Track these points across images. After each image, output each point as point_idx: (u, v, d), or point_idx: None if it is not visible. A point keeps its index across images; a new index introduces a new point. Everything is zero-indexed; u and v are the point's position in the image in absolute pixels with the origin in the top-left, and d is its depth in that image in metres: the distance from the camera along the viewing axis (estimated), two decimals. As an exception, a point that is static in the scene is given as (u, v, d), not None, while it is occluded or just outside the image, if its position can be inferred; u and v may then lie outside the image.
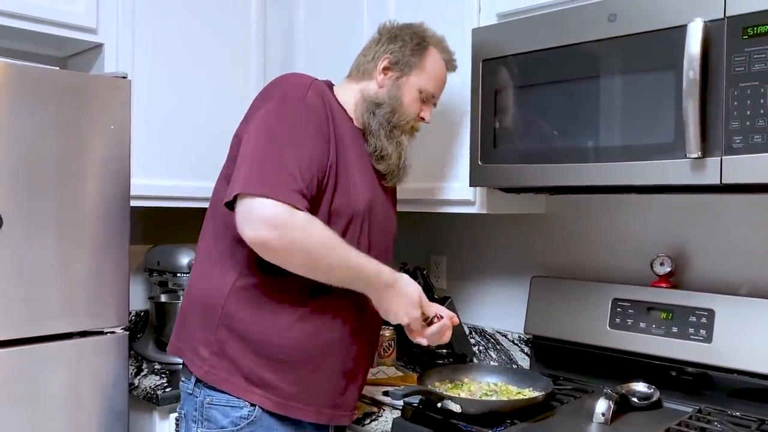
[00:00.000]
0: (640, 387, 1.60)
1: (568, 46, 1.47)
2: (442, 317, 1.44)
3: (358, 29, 1.99)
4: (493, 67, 1.62)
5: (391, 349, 2.04)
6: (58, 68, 1.57)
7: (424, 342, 1.45)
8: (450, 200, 1.82)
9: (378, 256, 1.40)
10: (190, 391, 1.40)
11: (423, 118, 1.58)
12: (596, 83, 1.43)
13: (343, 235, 1.39)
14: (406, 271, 2.06)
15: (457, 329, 2.05)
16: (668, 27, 1.32)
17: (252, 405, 1.35)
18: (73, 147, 1.54)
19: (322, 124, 1.38)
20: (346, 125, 1.49)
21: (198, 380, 1.39)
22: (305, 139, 1.34)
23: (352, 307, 1.43)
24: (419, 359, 2.02)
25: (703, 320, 1.59)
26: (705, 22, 1.26)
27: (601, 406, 1.44)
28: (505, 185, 1.64)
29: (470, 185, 1.69)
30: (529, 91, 1.55)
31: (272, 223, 1.25)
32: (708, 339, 1.57)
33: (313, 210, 1.33)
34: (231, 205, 1.30)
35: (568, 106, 1.48)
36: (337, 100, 1.51)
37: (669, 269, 1.69)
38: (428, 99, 1.58)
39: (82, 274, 1.56)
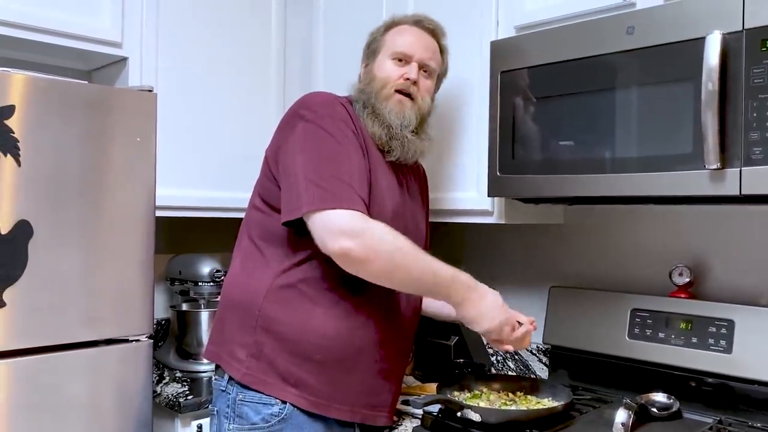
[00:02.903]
0: (660, 397, 1.60)
1: (586, 58, 1.49)
2: (521, 323, 1.45)
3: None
4: (511, 79, 1.63)
5: (409, 358, 2.05)
6: (86, 82, 1.61)
7: (510, 348, 1.45)
8: (468, 210, 1.83)
9: None
10: (223, 388, 1.43)
11: (407, 78, 1.53)
12: (614, 95, 1.44)
13: None
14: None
15: (476, 339, 2.06)
16: (687, 39, 1.33)
17: (283, 402, 1.37)
18: (100, 159, 1.58)
19: (356, 135, 1.42)
20: (368, 136, 1.51)
21: (231, 377, 1.41)
22: (349, 150, 1.37)
23: (386, 309, 1.45)
24: (437, 369, 2.02)
25: (723, 331, 1.58)
26: (723, 34, 1.26)
27: (621, 416, 1.44)
28: (523, 196, 1.65)
29: (488, 195, 1.70)
30: (547, 103, 1.57)
31: (351, 232, 1.28)
32: (728, 349, 1.56)
33: None
34: (290, 223, 1.35)
35: (587, 117, 1.49)
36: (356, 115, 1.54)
37: (688, 279, 1.69)
38: (406, 59, 1.55)
39: (108, 282, 1.59)
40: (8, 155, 1.42)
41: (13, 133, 1.43)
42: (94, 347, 1.59)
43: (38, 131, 1.48)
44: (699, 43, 1.29)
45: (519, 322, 1.44)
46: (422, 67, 1.56)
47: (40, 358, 1.49)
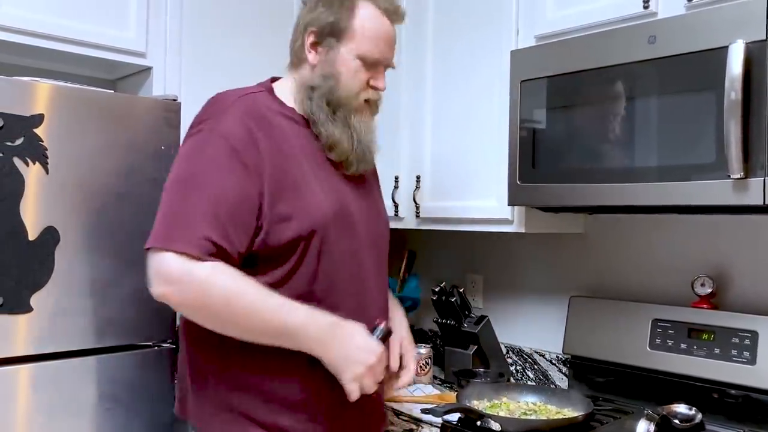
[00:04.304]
0: (682, 409, 1.58)
1: (607, 67, 1.49)
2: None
3: (395, 52, 2.02)
4: (531, 88, 1.64)
5: (428, 367, 2.05)
6: (112, 91, 1.64)
7: (405, 383, 1.40)
8: (487, 219, 1.84)
9: (366, 264, 1.35)
10: None
11: (375, 87, 1.38)
12: (636, 104, 1.44)
13: (304, 255, 1.26)
14: (442, 290, 2.09)
15: (495, 348, 2.06)
16: (709, 48, 1.32)
17: None
18: (125, 167, 1.60)
19: (244, 151, 1.24)
20: (292, 130, 1.33)
21: None
22: (221, 174, 1.22)
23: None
24: (456, 378, 2.02)
25: (746, 342, 1.57)
26: (746, 43, 1.26)
27: (642, 427, 1.43)
28: (543, 204, 1.65)
29: (508, 204, 1.70)
30: (568, 112, 1.57)
31: (170, 279, 1.19)
32: (751, 361, 1.55)
33: (261, 243, 1.23)
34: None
35: (607, 126, 1.49)
36: (279, 101, 1.36)
37: (710, 290, 1.67)
38: (376, 64, 1.36)
39: (132, 288, 1.61)
40: (36, 163, 1.45)
41: (42, 141, 1.46)
42: (117, 352, 1.61)
43: (65, 139, 1.50)
44: (722, 52, 1.29)
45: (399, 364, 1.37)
46: (386, 67, 1.41)
47: (64, 363, 1.52)
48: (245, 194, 1.22)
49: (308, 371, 1.28)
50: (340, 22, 1.33)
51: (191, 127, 1.32)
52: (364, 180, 1.45)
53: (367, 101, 1.39)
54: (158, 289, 1.20)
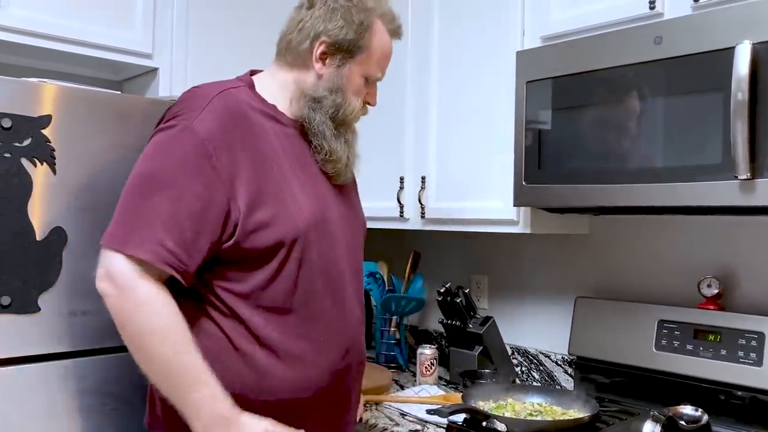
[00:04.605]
0: (688, 410, 1.57)
1: (613, 68, 1.49)
2: None
3: (401, 54, 2.03)
4: (537, 89, 1.64)
5: (433, 368, 2.05)
6: (119, 92, 1.65)
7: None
8: (493, 220, 1.84)
9: (345, 273, 1.31)
10: None
11: (369, 103, 1.39)
12: (641, 105, 1.44)
13: (284, 263, 1.21)
14: (447, 291, 2.09)
15: (500, 349, 2.06)
16: (716, 49, 1.32)
17: None
18: (131, 167, 1.58)
19: (216, 153, 1.17)
20: (274, 131, 1.28)
21: None
22: (186, 176, 1.15)
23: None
24: (461, 379, 2.02)
25: (753, 343, 1.56)
26: (753, 44, 1.26)
27: (648, 428, 1.42)
28: (549, 205, 1.65)
29: (514, 205, 1.70)
30: (574, 113, 1.57)
31: (114, 283, 1.14)
32: (758, 362, 1.54)
33: (233, 249, 1.18)
34: None
35: (613, 127, 1.49)
36: (260, 98, 1.30)
37: (717, 291, 1.67)
38: (373, 82, 1.38)
39: (138, 289, 1.61)
40: (44, 163, 1.46)
41: (49, 141, 1.47)
42: (124, 352, 1.60)
43: (72, 140, 1.51)
44: (728, 52, 1.29)
45: None
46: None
47: (71, 362, 1.52)
48: (211, 200, 1.16)
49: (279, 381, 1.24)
50: (359, 41, 1.31)
51: (163, 120, 1.24)
52: (349, 188, 1.44)
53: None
54: (101, 285, 1.16)
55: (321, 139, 1.31)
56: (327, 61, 1.31)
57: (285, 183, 1.24)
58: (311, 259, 1.26)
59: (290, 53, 1.33)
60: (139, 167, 1.20)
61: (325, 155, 1.31)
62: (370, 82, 1.37)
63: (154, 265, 1.13)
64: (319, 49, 1.30)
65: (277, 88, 1.33)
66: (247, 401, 1.20)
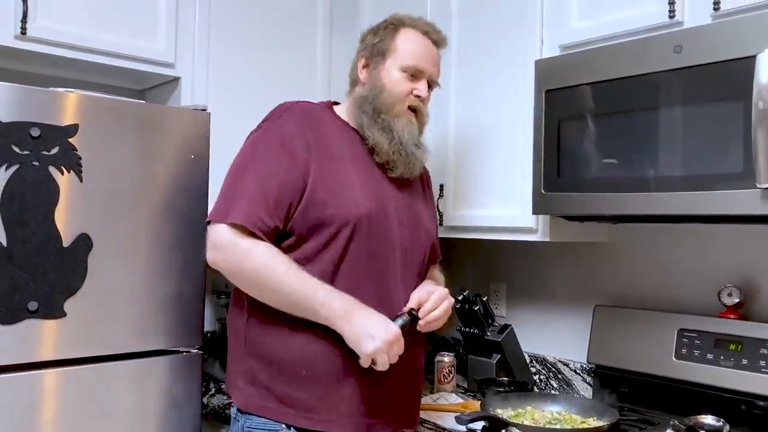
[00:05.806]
0: (709, 420, 1.56)
1: (632, 77, 1.49)
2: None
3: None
4: (556, 97, 1.64)
5: (451, 375, 2.05)
6: (143, 102, 1.68)
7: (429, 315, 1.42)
8: (512, 228, 1.84)
9: (394, 268, 1.44)
10: (234, 415, 1.47)
11: (418, 96, 1.53)
12: (661, 114, 1.44)
13: (330, 241, 1.39)
14: (465, 298, 2.10)
15: (518, 357, 2.06)
16: (736, 58, 1.32)
17: (288, 427, 1.39)
18: (155, 175, 1.64)
19: (292, 145, 1.42)
20: (342, 136, 1.50)
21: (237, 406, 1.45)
22: (270, 161, 1.41)
23: None
24: (480, 387, 2.02)
25: (775, 353, 1.55)
26: (774, 52, 1.26)
27: (669, 437, 1.42)
28: (568, 213, 1.65)
29: (533, 213, 1.71)
30: (593, 121, 1.57)
31: (220, 246, 1.39)
32: (780, 372, 1.53)
33: (297, 220, 1.39)
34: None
35: (633, 135, 1.49)
36: (335, 113, 1.56)
37: (737, 300, 1.66)
38: (417, 75, 1.53)
39: (161, 295, 1.64)
40: (71, 171, 1.49)
41: (76, 150, 1.50)
42: (147, 357, 1.64)
43: (98, 148, 1.54)
44: (749, 61, 1.28)
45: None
46: (430, 83, 1.57)
47: (95, 367, 1.55)
48: (290, 178, 1.40)
49: (331, 348, 1.39)
50: (384, 42, 1.53)
51: (255, 128, 1.51)
52: (410, 186, 1.58)
53: (411, 108, 1.53)
54: (209, 255, 1.41)
55: (365, 129, 1.50)
56: (368, 69, 1.55)
57: (347, 177, 1.44)
58: (360, 248, 1.41)
59: (350, 82, 1.61)
60: (235, 160, 1.46)
61: (370, 144, 1.50)
62: (411, 76, 1.52)
63: (247, 227, 1.36)
64: (360, 63, 1.57)
65: (347, 108, 1.58)
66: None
